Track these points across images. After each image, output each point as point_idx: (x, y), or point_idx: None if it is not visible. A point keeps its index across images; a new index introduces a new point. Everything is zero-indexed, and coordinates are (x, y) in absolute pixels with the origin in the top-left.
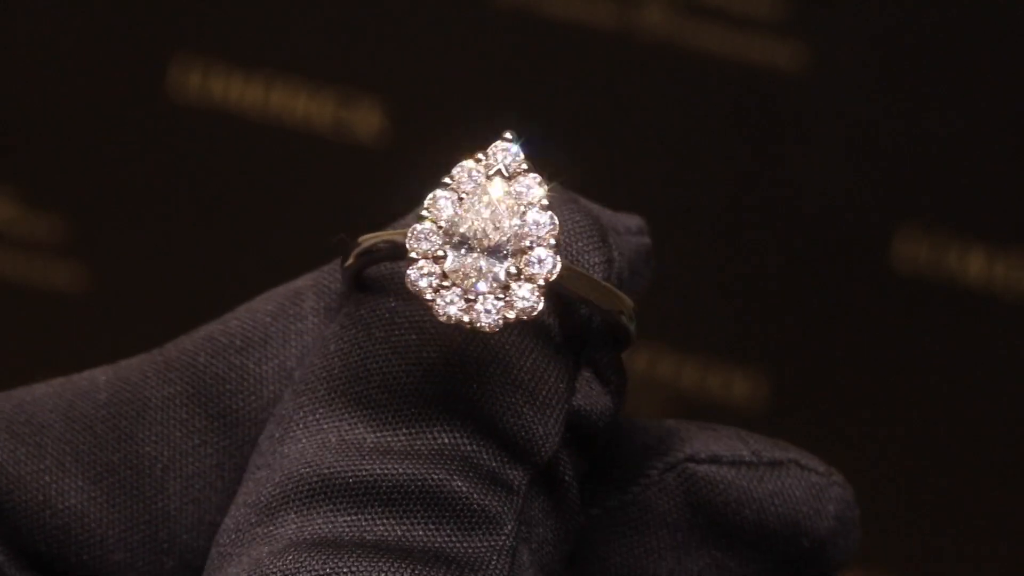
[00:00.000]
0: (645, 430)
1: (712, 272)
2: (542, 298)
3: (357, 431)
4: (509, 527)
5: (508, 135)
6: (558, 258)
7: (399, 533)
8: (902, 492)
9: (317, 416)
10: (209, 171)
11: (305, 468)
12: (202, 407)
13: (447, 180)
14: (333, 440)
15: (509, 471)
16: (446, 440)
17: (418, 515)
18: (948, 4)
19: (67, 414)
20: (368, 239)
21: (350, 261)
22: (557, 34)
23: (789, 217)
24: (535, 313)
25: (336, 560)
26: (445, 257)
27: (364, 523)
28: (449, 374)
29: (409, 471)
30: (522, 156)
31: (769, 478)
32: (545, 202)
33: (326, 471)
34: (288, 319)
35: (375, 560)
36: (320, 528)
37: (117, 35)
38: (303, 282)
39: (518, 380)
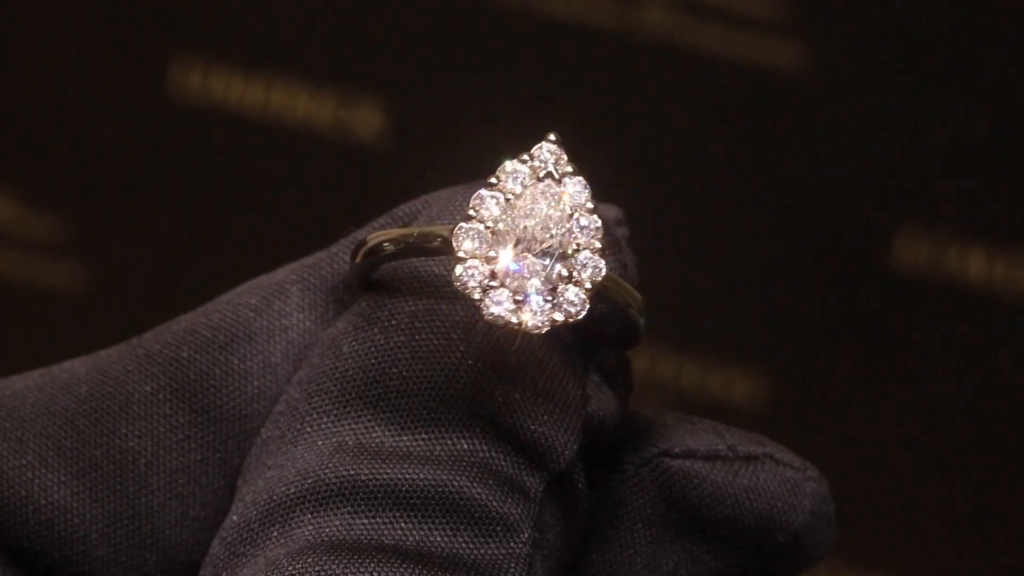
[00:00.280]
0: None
1: (712, 272)
2: (587, 301)
3: (374, 434)
4: (526, 534)
5: (552, 137)
6: (603, 262)
7: (417, 538)
8: (902, 492)
9: (332, 417)
10: (209, 171)
11: (322, 469)
12: (185, 402)
13: (492, 180)
14: (350, 443)
15: (527, 478)
16: (466, 446)
17: (436, 520)
18: (948, 4)
19: (48, 408)
20: (376, 237)
21: (358, 259)
22: (557, 34)
23: (789, 217)
24: (580, 317)
25: (356, 564)
26: (495, 258)
27: (383, 527)
28: (471, 380)
29: (428, 476)
30: (566, 158)
31: (744, 473)
32: (591, 205)
33: (344, 473)
34: (272, 315)
35: (394, 565)
36: (338, 531)
37: (117, 35)
38: (286, 275)
39: (539, 387)
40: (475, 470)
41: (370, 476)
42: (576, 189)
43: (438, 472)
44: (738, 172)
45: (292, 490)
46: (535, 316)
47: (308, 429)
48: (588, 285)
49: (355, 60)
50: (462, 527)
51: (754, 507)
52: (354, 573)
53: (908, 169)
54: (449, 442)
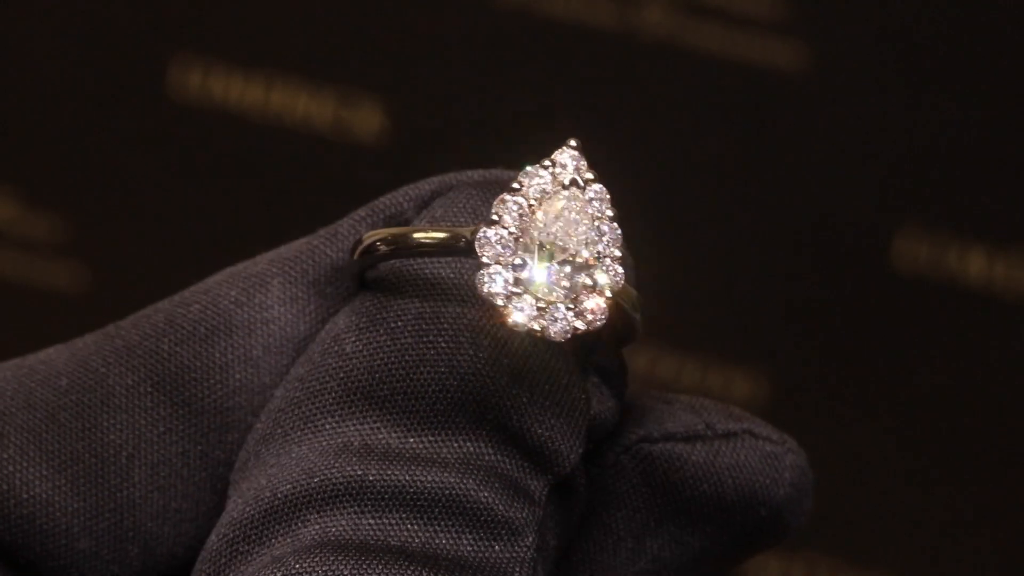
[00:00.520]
0: None
1: (712, 272)
2: (607, 310)
3: (380, 435)
4: (531, 538)
5: (573, 143)
6: (622, 270)
7: (423, 540)
8: (902, 492)
9: (336, 417)
10: (209, 171)
11: (328, 469)
12: (167, 395)
13: (515, 186)
14: (356, 443)
15: (532, 481)
16: (472, 449)
17: (442, 523)
18: (948, 4)
19: (28, 402)
20: (370, 236)
21: (355, 257)
22: (557, 34)
23: (789, 217)
24: (600, 324)
25: (363, 564)
26: (521, 264)
27: (389, 528)
28: (478, 383)
29: (435, 479)
30: (586, 164)
31: (725, 451)
32: (611, 213)
33: (351, 473)
34: (254, 308)
35: (401, 566)
36: (345, 531)
37: (117, 35)
38: (266, 267)
39: (545, 390)
40: (482, 473)
41: (377, 477)
42: (598, 196)
43: (445, 475)
44: (738, 172)
45: (297, 488)
46: (557, 324)
47: (312, 427)
48: (608, 293)
49: (355, 60)
50: (467, 530)
51: (737, 484)
52: (361, 573)
53: (908, 169)
54: (456, 445)
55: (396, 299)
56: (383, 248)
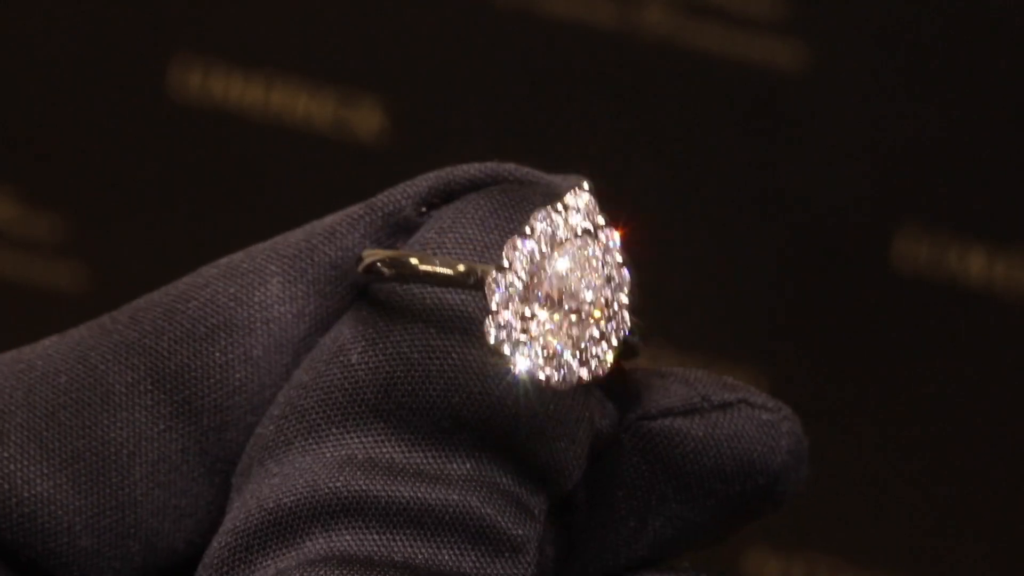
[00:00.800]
0: None
1: (712, 272)
2: (614, 360)
3: (385, 449)
4: (531, 555)
5: (585, 184)
6: (629, 317)
7: (427, 556)
8: (902, 492)
9: (341, 429)
10: (209, 171)
11: (333, 482)
12: (167, 393)
13: (526, 230)
14: (360, 456)
15: (532, 499)
16: (476, 466)
17: (446, 539)
18: (948, 4)
19: (27, 400)
20: (372, 256)
21: (358, 270)
22: (557, 34)
23: (789, 217)
24: (603, 373)
25: None
26: (530, 314)
27: (393, 543)
28: (484, 401)
29: (440, 495)
30: (597, 207)
31: (722, 422)
32: (620, 259)
33: (356, 488)
34: (253, 307)
35: None
36: (350, 545)
37: (117, 35)
38: (264, 263)
39: (550, 408)
40: (485, 490)
41: (382, 492)
42: (610, 244)
43: (449, 491)
44: (738, 172)
45: (301, 500)
46: (560, 372)
47: (316, 437)
48: (615, 342)
49: (355, 60)
50: (470, 547)
51: (735, 454)
52: None
53: (908, 169)
54: (460, 461)
55: (404, 313)
56: (386, 271)
